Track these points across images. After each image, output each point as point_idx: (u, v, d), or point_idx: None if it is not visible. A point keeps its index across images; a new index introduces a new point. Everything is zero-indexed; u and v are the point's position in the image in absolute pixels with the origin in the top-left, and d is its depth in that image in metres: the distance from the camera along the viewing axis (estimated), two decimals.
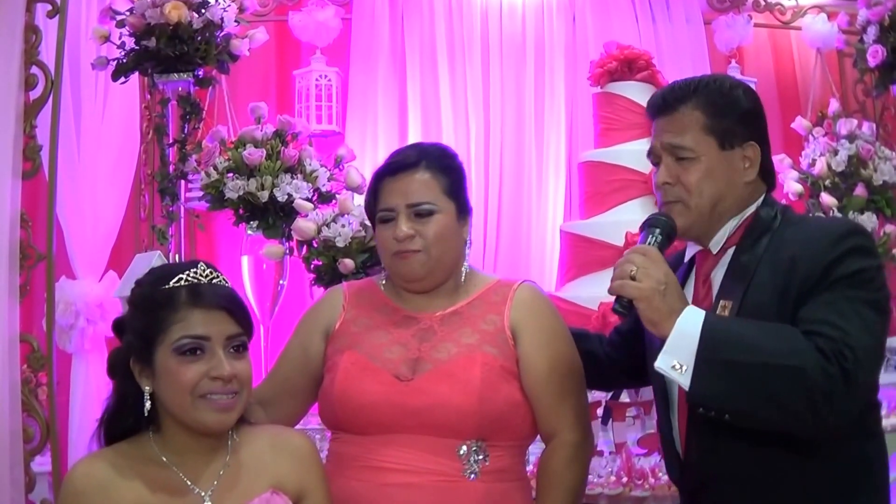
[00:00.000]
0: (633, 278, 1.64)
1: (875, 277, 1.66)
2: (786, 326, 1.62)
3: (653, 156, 1.86)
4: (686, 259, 1.90)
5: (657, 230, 1.77)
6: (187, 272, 1.63)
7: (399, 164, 1.93)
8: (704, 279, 1.82)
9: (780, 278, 1.67)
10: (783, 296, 1.66)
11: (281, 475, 1.69)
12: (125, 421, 1.66)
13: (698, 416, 1.67)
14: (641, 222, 1.81)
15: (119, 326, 1.70)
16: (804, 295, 1.64)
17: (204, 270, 1.65)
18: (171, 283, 1.62)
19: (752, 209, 1.81)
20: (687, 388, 1.60)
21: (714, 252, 1.82)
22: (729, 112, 1.79)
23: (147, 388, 1.63)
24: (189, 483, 1.63)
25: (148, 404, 1.63)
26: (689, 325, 1.60)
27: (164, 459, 1.63)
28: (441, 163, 1.94)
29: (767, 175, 1.85)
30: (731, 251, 1.80)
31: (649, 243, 1.74)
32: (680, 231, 1.81)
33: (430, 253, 1.89)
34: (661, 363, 1.61)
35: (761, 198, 1.83)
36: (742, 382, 1.56)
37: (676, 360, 1.59)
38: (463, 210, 1.95)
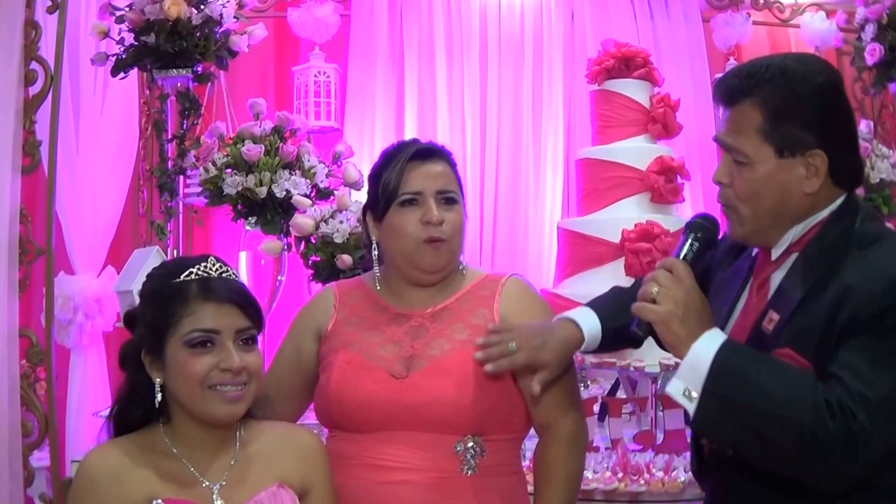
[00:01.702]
0: (654, 300, 1.59)
1: None
2: (802, 372, 1.53)
3: (718, 143, 1.70)
4: (754, 254, 1.76)
5: (696, 235, 1.69)
6: (198, 266, 1.65)
7: (427, 150, 1.93)
8: (762, 283, 1.69)
9: (830, 307, 1.54)
10: (828, 327, 1.53)
11: (286, 470, 1.70)
12: (136, 412, 1.67)
13: None
14: (686, 222, 1.73)
15: (130, 319, 1.71)
16: (848, 332, 1.51)
17: (214, 264, 1.66)
18: (182, 277, 1.64)
19: (823, 214, 1.64)
20: (692, 417, 1.56)
21: (773, 258, 1.68)
22: (793, 116, 1.59)
23: (158, 379, 1.64)
24: (198, 475, 1.64)
25: (159, 396, 1.64)
26: (702, 352, 1.54)
27: (174, 451, 1.65)
28: (453, 158, 1.96)
29: (844, 178, 1.64)
30: (794, 256, 1.65)
31: (684, 255, 1.68)
32: (736, 239, 1.72)
33: (452, 244, 1.90)
34: (672, 389, 1.56)
35: (837, 202, 1.64)
36: (743, 424, 1.51)
37: (687, 386, 1.54)
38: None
